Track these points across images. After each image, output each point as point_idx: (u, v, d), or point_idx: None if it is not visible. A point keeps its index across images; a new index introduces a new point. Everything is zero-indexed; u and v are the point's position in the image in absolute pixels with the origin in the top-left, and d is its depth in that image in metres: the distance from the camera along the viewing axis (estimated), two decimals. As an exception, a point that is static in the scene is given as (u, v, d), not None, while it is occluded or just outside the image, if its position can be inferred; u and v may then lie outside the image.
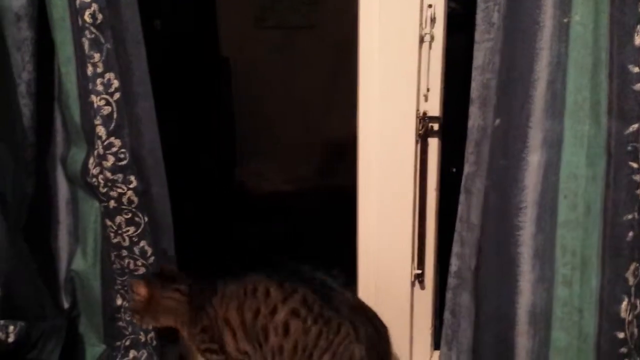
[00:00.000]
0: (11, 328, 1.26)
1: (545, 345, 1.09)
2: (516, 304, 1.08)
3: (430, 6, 1.25)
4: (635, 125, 0.95)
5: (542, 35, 1.01)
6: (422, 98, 1.29)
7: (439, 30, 1.27)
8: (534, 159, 1.04)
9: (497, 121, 1.07)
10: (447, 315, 1.22)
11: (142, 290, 1.25)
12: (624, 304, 1.01)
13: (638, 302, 1.02)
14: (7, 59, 1.25)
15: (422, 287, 1.39)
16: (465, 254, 1.18)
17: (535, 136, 1.04)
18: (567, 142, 1.02)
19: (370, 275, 1.38)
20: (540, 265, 1.07)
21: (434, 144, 1.32)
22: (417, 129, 1.29)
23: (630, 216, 0.98)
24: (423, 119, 1.29)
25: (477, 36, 1.11)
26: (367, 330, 1.15)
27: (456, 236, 1.21)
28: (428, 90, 1.29)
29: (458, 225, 1.20)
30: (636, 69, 0.93)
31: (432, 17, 1.25)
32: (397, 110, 1.28)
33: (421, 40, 1.25)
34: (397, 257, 1.35)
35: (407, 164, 1.30)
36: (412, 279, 1.36)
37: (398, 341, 1.33)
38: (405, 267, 1.35)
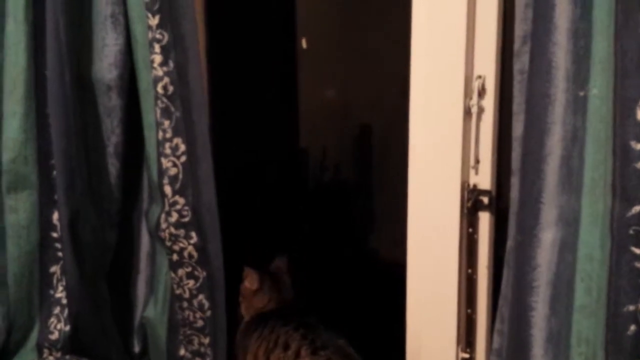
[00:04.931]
0: (75, 364, 1.49)
1: None
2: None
3: (479, 77, 1.30)
4: (638, 207, 0.92)
5: (554, 109, 1.02)
6: (471, 171, 1.33)
7: (490, 101, 1.31)
8: (548, 237, 1.04)
9: (516, 194, 1.09)
10: None
11: (254, 283, 1.48)
12: (626, 412, 0.95)
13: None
14: (98, 124, 1.53)
15: (473, 372, 1.38)
16: (504, 331, 1.18)
17: (549, 213, 1.03)
18: (585, 221, 1.00)
19: (417, 358, 1.41)
20: (554, 352, 1.04)
21: (485, 218, 1.34)
22: (464, 202, 1.33)
23: (632, 307, 0.93)
24: (471, 192, 1.33)
25: (515, 107, 1.14)
26: None
27: (498, 312, 1.20)
28: (478, 162, 1.32)
29: (500, 300, 1.20)
30: (639, 146, 0.91)
31: (482, 88, 1.30)
32: (440, 182, 1.32)
33: (467, 112, 1.30)
34: (441, 340, 1.36)
35: (452, 239, 1.33)
36: (458, 363, 1.37)
37: None
38: (449, 350, 1.36)
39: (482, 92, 1.30)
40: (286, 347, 1.30)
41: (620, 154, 0.92)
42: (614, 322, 0.95)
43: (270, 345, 1.32)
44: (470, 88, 1.29)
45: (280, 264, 1.54)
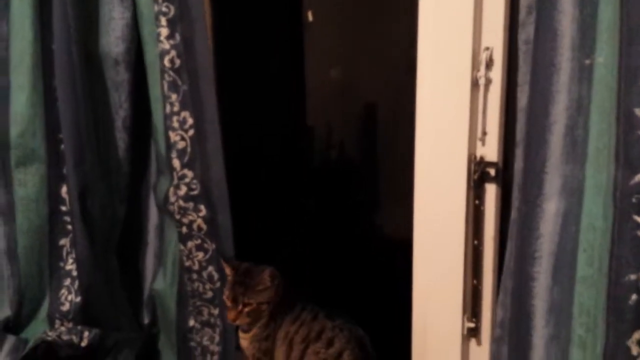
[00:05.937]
0: (86, 333, 1.52)
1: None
2: (529, 362, 1.07)
3: (487, 49, 1.30)
4: (641, 175, 0.92)
5: (559, 78, 1.02)
6: (478, 142, 1.34)
7: (497, 73, 1.31)
8: (551, 207, 1.04)
9: (521, 165, 1.09)
10: None
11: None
12: (625, 378, 0.96)
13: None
14: (106, 98, 1.54)
15: (479, 343, 1.39)
16: (506, 303, 1.20)
17: (553, 183, 1.04)
18: (589, 191, 1.01)
19: (423, 328, 1.42)
20: (555, 323, 1.05)
21: (491, 190, 1.35)
22: (471, 174, 1.33)
23: (633, 277, 0.93)
24: (478, 164, 1.33)
25: (520, 78, 1.14)
26: None
27: (502, 284, 1.21)
28: (485, 134, 1.33)
29: (504, 272, 1.21)
30: (643, 113, 0.91)
31: (489, 60, 1.30)
32: (447, 154, 1.33)
33: (475, 84, 1.30)
34: (447, 310, 1.37)
35: (458, 210, 1.33)
36: (464, 333, 1.38)
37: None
38: (455, 320, 1.37)
39: (489, 64, 1.29)
40: (329, 345, 1.31)
41: (625, 121, 0.93)
42: (615, 291, 0.96)
43: (312, 334, 1.32)
44: (478, 60, 1.29)
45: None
